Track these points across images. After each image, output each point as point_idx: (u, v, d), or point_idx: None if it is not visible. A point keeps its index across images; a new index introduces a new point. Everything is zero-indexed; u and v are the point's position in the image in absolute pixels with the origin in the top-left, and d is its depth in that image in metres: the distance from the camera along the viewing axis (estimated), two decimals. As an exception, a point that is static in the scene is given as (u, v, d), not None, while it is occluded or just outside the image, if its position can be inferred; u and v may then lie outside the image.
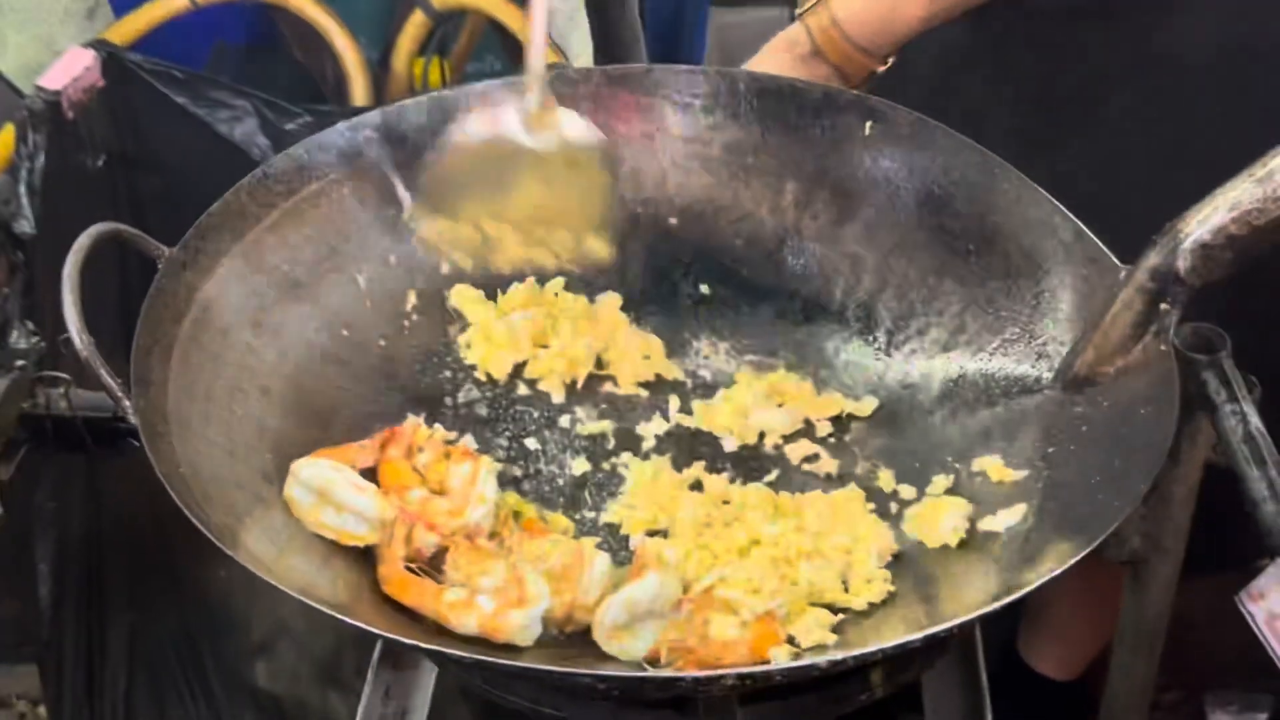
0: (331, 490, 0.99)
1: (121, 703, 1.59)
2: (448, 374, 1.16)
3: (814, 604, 0.96)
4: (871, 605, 0.96)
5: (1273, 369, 1.04)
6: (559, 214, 1.15)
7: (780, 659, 0.89)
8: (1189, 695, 1.82)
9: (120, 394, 0.95)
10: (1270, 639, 0.93)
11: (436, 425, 1.10)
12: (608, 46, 1.71)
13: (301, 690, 1.62)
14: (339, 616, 0.85)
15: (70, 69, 1.58)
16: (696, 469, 1.08)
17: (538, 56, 1.09)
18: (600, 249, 1.16)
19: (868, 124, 1.17)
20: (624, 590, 0.93)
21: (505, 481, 1.07)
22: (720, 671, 0.84)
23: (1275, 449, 0.97)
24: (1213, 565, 1.16)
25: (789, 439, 1.11)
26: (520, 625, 0.91)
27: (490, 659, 0.87)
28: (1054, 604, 1.67)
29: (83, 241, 0.99)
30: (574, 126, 1.12)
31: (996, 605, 0.86)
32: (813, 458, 1.10)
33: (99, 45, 1.64)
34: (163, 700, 1.60)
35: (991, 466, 1.03)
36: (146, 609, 1.56)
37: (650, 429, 1.12)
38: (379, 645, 1.06)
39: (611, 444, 1.12)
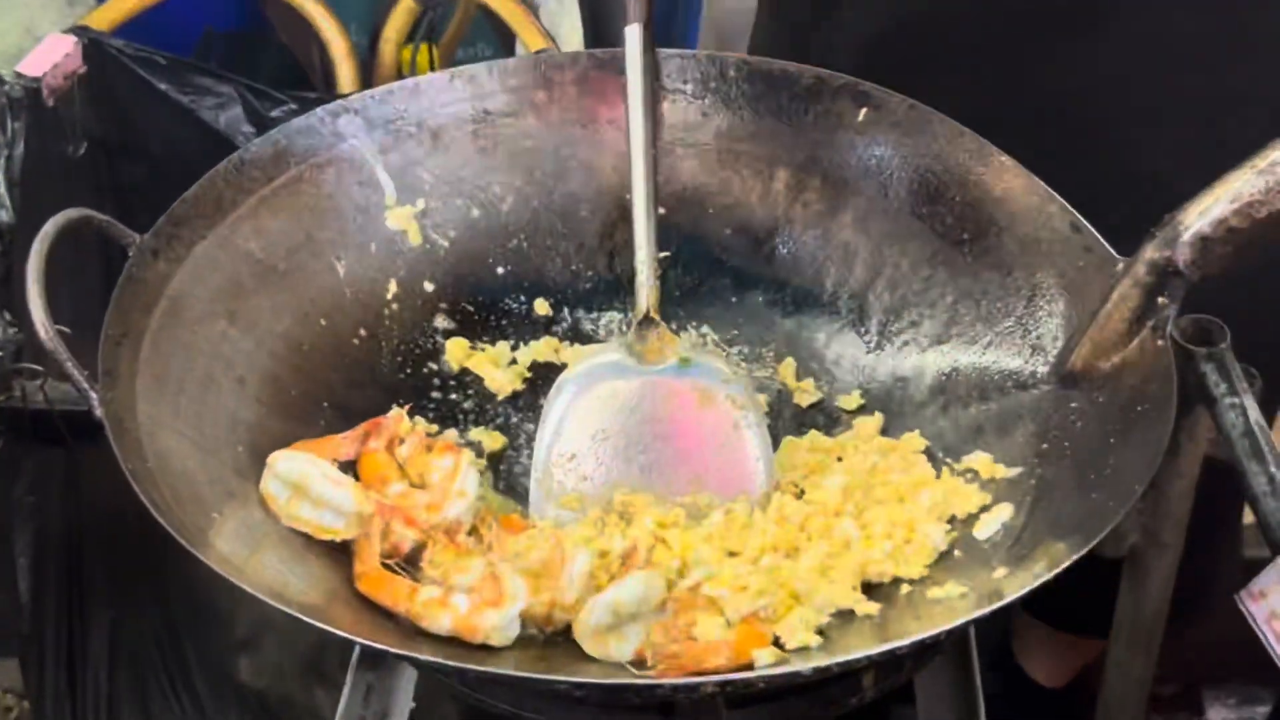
0: (307, 484, 0.97)
1: (104, 698, 1.58)
2: (430, 366, 1.14)
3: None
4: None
5: (1274, 361, 1.02)
6: (698, 476, 1.00)
7: (765, 662, 0.87)
8: (1187, 689, 1.81)
9: (87, 386, 0.93)
10: (1270, 638, 0.91)
11: (419, 418, 1.08)
12: (599, 33, 1.69)
13: (286, 686, 1.61)
14: (307, 619, 0.83)
15: (51, 55, 1.56)
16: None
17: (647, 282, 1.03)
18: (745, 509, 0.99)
19: (861, 110, 1.15)
20: (608, 592, 0.91)
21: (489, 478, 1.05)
22: (699, 679, 0.82)
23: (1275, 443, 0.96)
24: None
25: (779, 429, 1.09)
26: (496, 625, 0.89)
27: (459, 664, 0.85)
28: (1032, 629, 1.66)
29: (48, 229, 0.97)
30: (702, 356, 1.03)
31: (985, 610, 0.84)
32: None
33: (80, 31, 1.62)
34: (145, 695, 1.59)
35: (982, 463, 1.01)
36: (128, 603, 1.56)
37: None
38: (358, 645, 1.04)
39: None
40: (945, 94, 1.12)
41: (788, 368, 1.13)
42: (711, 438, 1.01)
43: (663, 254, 1.08)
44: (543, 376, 1.13)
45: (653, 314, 1.04)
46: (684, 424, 1.01)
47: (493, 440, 1.10)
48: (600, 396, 1.02)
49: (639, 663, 0.89)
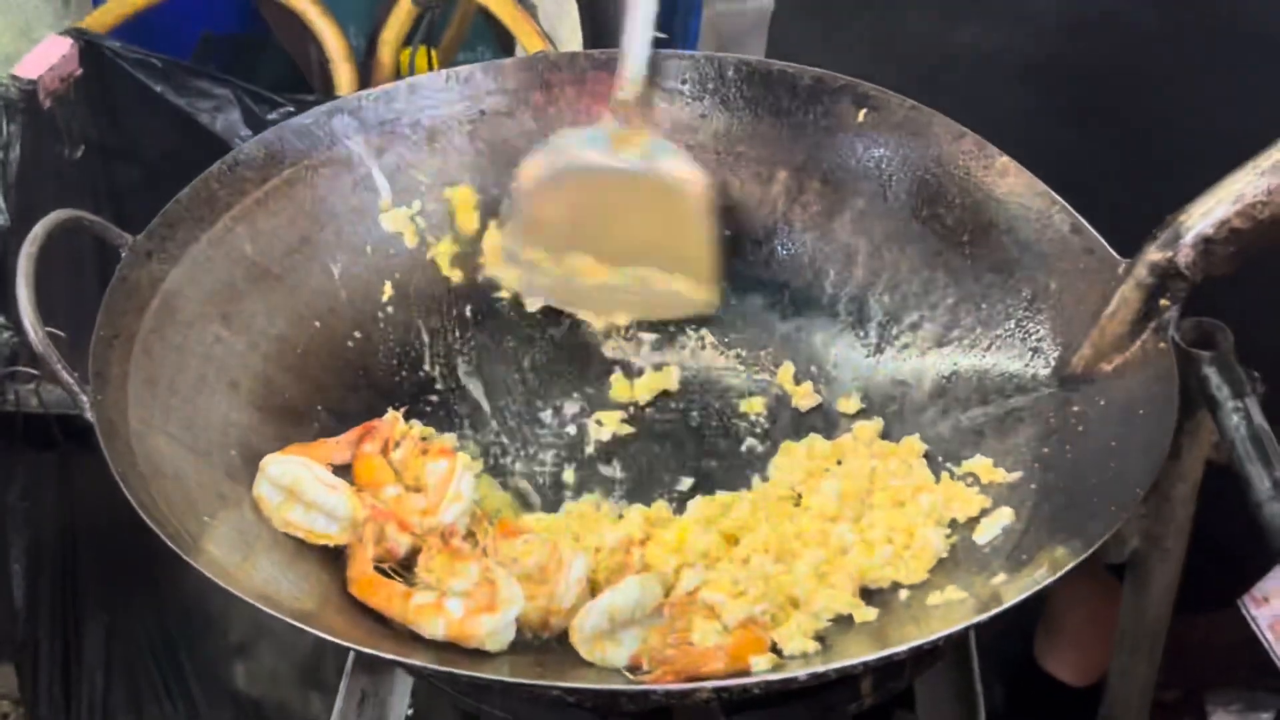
0: (300, 487, 0.97)
1: (99, 703, 1.57)
2: (425, 369, 1.13)
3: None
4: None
5: (1277, 364, 1.01)
6: (648, 250, 1.10)
7: (762, 668, 0.86)
8: (1190, 694, 1.80)
9: (78, 389, 0.92)
10: (1273, 643, 0.90)
11: (414, 421, 1.07)
12: (597, 35, 1.69)
13: (281, 691, 1.60)
14: (299, 624, 0.82)
15: (47, 57, 1.55)
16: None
17: (634, 61, 1.04)
18: (693, 291, 1.11)
19: (861, 111, 1.14)
20: (604, 597, 0.90)
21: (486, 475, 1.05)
22: (693, 685, 0.81)
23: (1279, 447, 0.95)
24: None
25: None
26: (491, 630, 0.88)
27: (454, 670, 0.84)
28: (1068, 609, 1.65)
29: (39, 231, 0.96)
30: (666, 150, 1.08)
31: (984, 616, 0.83)
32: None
33: (77, 33, 1.61)
34: (140, 701, 1.58)
35: (982, 467, 1.00)
36: (123, 609, 1.55)
37: (634, 425, 1.10)
38: (352, 651, 1.04)
39: (593, 440, 1.09)
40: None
41: (786, 372, 1.12)
42: (664, 225, 1.09)
43: (659, 34, 1.10)
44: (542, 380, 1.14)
45: (632, 101, 1.06)
46: (643, 212, 1.09)
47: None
48: (569, 175, 1.09)
49: (635, 668, 0.88)
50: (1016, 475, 0.98)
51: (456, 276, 1.16)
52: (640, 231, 1.09)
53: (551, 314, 1.17)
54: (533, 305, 1.14)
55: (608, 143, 1.08)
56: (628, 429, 1.10)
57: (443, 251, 1.15)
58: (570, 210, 1.09)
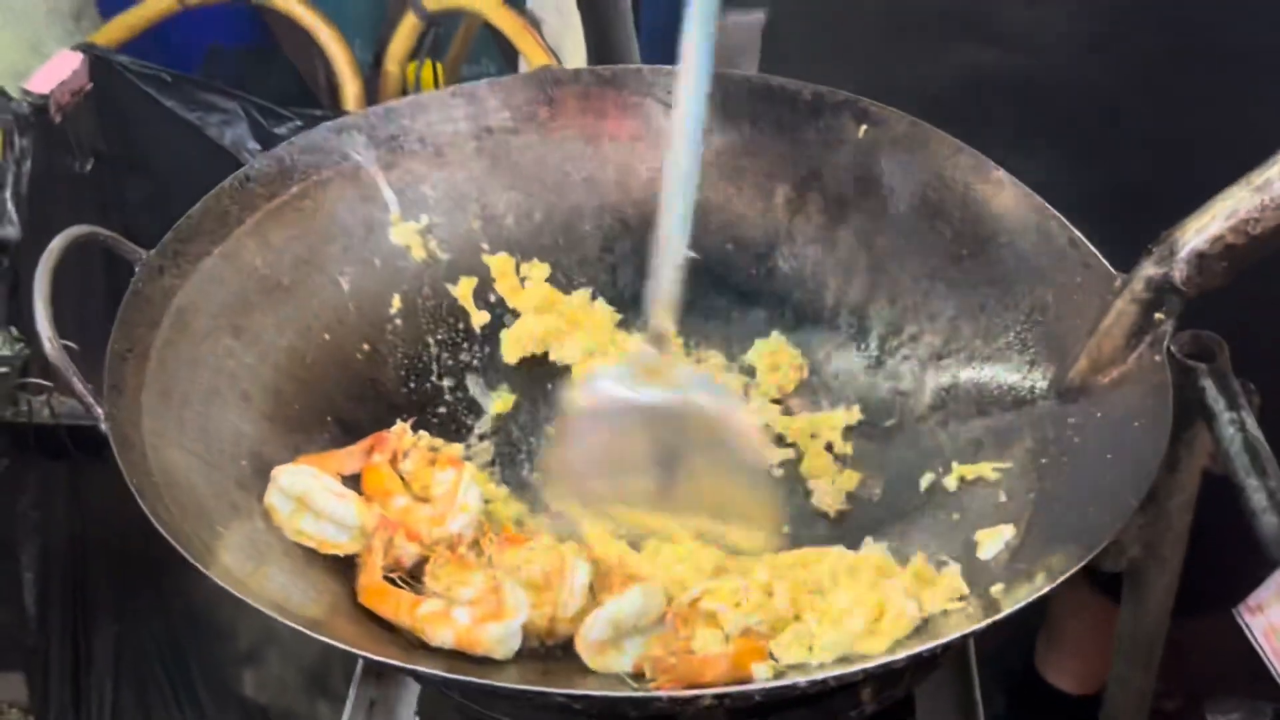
0: (311, 497, 0.98)
1: (108, 711, 1.58)
2: (433, 380, 1.14)
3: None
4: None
5: (1273, 377, 1.02)
6: (698, 495, 0.99)
7: (763, 675, 0.88)
8: (1191, 702, 1.81)
9: (92, 401, 0.93)
10: (1268, 653, 0.91)
11: (422, 431, 1.09)
12: (601, 49, 1.70)
13: (289, 699, 1.61)
14: (310, 632, 0.84)
15: (58, 72, 1.57)
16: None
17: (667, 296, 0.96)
18: (754, 541, 0.99)
19: (861, 127, 1.15)
20: (608, 605, 0.91)
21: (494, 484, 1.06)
22: (696, 691, 0.82)
23: (1275, 458, 0.96)
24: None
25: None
26: (497, 638, 0.90)
27: (461, 677, 0.86)
28: (1068, 618, 1.65)
29: (56, 245, 0.98)
30: (701, 380, 1.02)
31: (982, 624, 0.84)
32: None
33: (87, 48, 1.63)
34: (149, 708, 1.59)
35: (981, 470, 1.02)
36: (132, 617, 1.56)
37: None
38: (360, 658, 1.05)
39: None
40: None
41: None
42: (710, 461, 1.00)
43: (690, 254, 1.01)
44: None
45: (666, 331, 1.00)
46: (681, 446, 1.00)
47: (503, 403, 1.11)
48: (608, 412, 1.01)
49: (639, 675, 0.89)
50: (1015, 486, 1.00)
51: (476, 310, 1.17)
52: (683, 474, 0.99)
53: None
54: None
55: (638, 374, 1.00)
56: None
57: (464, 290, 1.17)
58: (604, 455, 1.01)
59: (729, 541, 0.99)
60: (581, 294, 1.17)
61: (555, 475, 1.03)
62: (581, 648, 0.90)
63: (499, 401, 1.15)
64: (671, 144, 0.99)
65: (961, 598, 0.93)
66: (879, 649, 0.88)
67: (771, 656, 0.90)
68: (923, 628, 0.91)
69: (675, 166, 0.98)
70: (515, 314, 1.17)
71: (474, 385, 1.15)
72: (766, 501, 1.02)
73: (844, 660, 0.88)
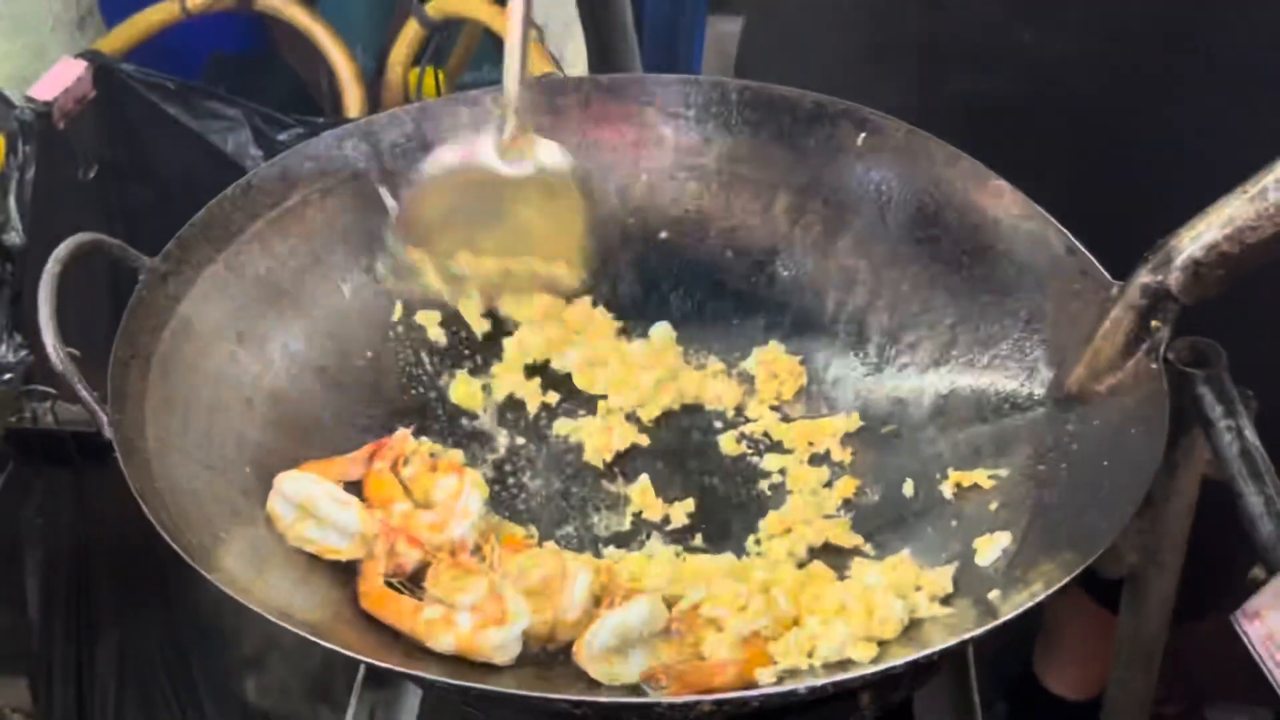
0: (313, 504, 0.98)
1: (111, 716, 1.58)
2: (435, 387, 1.15)
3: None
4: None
5: (1271, 383, 1.03)
6: (532, 243, 1.15)
7: (767, 681, 0.88)
8: (1191, 708, 1.81)
9: (97, 408, 0.94)
10: (1266, 660, 0.91)
11: (423, 438, 1.09)
12: (603, 56, 1.70)
13: (292, 706, 1.61)
14: (311, 638, 0.84)
15: (62, 80, 1.57)
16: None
17: (513, 80, 1.09)
18: (567, 276, 1.16)
19: (860, 135, 1.16)
20: (613, 615, 0.91)
21: (493, 497, 1.06)
22: (696, 698, 0.82)
23: (1272, 464, 0.96)
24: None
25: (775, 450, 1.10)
26: (498, 644, 0.90)
27: (461, 682, 0.86)
28: (1066, 624, 1.66)
29: (61, 253, 0.98)
30: (550, 152, 1.12)
31: (980, 630, 0.85)
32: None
33: (91, 56, 1.64)
34: (152, 714, 1.59)
35: (978, 477, 1.02)
36: (135, 623, 1.56)
37: (639, 443, 1.11)
38: (362, 664, 1.05)
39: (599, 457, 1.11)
40: None
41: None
42: (544, 220, 1.14)
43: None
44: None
45: (516, 108, 1.09)
46: (523, 207, 1.13)
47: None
48: (456, 174, 1.12)
49: (649, 681, 0.90)
50: (1013, 492, 1.00)
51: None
52: (522, 228, 1.14)
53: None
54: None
55: (495, 149, 1.12)
56: (632, 445, 1.12)
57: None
58: (457, 212, 1.13)
59: (548, 273, 1.16)
60: (583, 303, 1.18)
61: (412, 231, 1.14)
62: (584, 657, 0.90)
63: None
64: None
65: (946, 598, 0.93)
66: (870, 652, 0.89)
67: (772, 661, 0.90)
68: (913, 629, 0.92)
69: None
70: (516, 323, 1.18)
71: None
72: (581, 245, 1.17)
73: (842, 666, 0.88)
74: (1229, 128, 1.18)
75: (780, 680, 0.87)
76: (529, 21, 1.10)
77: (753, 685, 0.88)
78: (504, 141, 1.11)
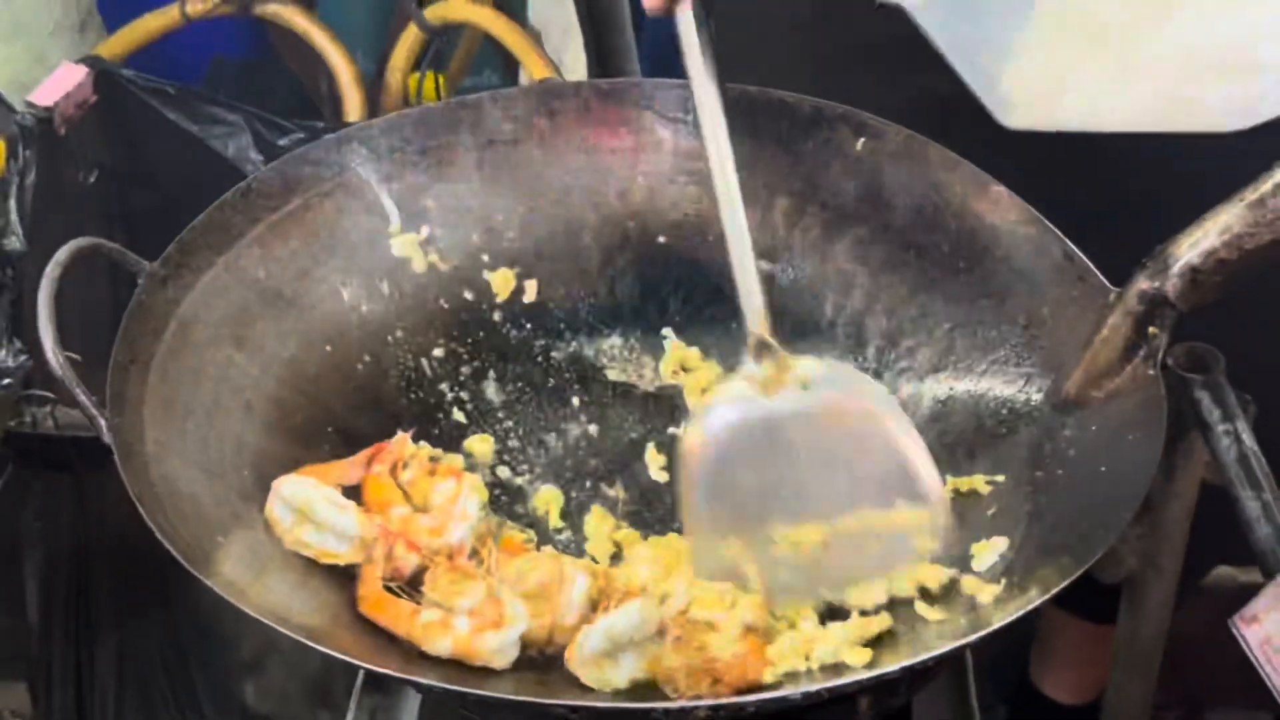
0: (311, 508, 0.98)
1: (111, 720, 1.58)
2: (433, 391, 1.15)
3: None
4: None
5: (1268, 388, 1.03)
6: (851, 491, 0.95)
7: (770, 679, 0.88)
8: (1190, 713, 1.81)
9: (96, 412, 0.94)
10: (1264, 664, 0.91)
11: (422, 442, 1.09)
12: (602, 62, 1.71)
13: (291, 709, 1.61)
14: (309, 642, 0.84)
15: (62, 85, 1.58)
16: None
17: (756, 306, 0.97)
18: (922, 518, 0.95)
19: (859, 140, 1.16)
20: (605, 619, 0.91)
21: (492, 501, 1.06)
22: (692, 704, 0.83)
23: (1270, 469, 0.96)
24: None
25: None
26: (495, 648, 0.90)
27: (458, 687, 0.86)
28: (1062, 629, 1.66)
29: (60, 257, 0.99)
30: (825, 373, 0.98)
31: (976, 636, 0.85)
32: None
33: (92, 61, 1.64)
34: (152, 718, 1.59)
35: (977, 483, 1.02)
36: (135, 626, 1.56)
37: (638, 447, 1.11)
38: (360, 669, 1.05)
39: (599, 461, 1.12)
40: None
41: None
42: (852, 452, 0.97)
43: (769, 265, 1.03)
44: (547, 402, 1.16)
45: (767, 338, 0.98)
46: (825, 446, 0.97)
47: (483, 444, 1.12)
48: (733, 441, 0.97)
49: (644, 687, 0.90)
50: (1010, 498, 1.00)
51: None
52: (833, 472, 0.96)
53: (556, 336, 1.19)
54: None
55: (756, 390, 0.98)
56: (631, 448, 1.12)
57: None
58: (748, 480, 0.96)
59: (896, 523, 0.95)
60: None
61: (704, 519, 0.97)
62: (575, 661, 0.90)
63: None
64: (711, 166, 1.02)
65: (943, 603, 0.93)
66: (864, 657, 0.89)
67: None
68: (910, 634, 0.92)
69: (723, 184, 1.01)
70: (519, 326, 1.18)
71: (473, 396, 1.16)
72: (921, 466, 0.97)
73: (839, 671, 0.88)
74: (1227, 134, 1.18)
75: (780, 683, 0.88)
76: (753, 246, 0.98)
77: (753, 689, 0.88)
78: (762, 377, 0.97)
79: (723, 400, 0.99)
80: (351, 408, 1.11)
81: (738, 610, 0.92)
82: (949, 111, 1.18)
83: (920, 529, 0.95)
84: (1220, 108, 1.09)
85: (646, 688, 0.90)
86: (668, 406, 1.15)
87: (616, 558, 1.04)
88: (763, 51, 1.36)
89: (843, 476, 0.96)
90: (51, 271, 0.98)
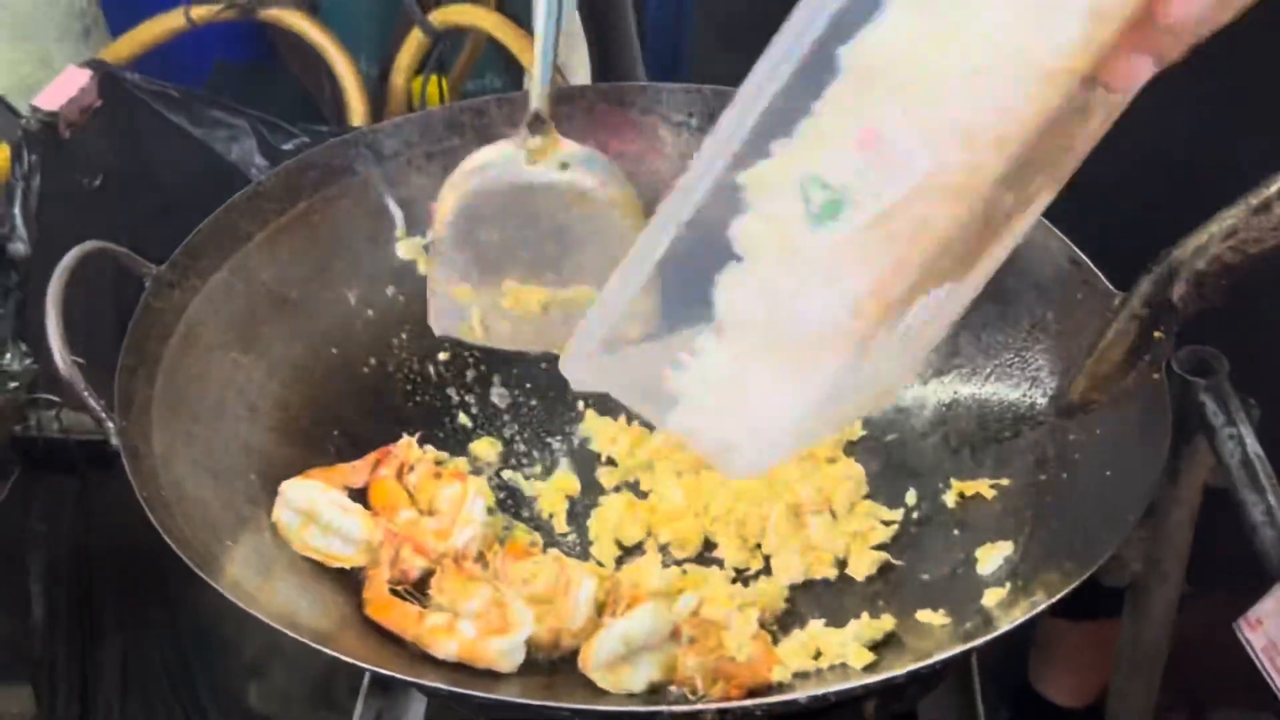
0: (318, 511, 0.99)
1: (115, 723, 1.58)
2: (439, 395, 1.15)
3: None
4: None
5: (1273, 391, 1.03)
6: (580, 270, 1.05)
7: (779, 678, 0.89)
8: (1194, 716, 1.81)
9: (103, 415, 0.94)
10: (1268, 667, 0.91)
11: (428, 446, 1.09)
12: (606, 66, 1.71)
13: (295, 713, 1.61)
14: (316, 645, 0.85)
15: (67, 89, 1.57)
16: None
17: (539, 82, 1.03)
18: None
19: (864, 143, 1.16)
20: (620, 624, 0.91)
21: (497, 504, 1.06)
22: (700, 707, 0.83)
23: (1274, 472, 0.96)
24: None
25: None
26: (501, 652, 0.90)
27: (464, 690, 0.86)
28: (1061, 633, 1.66)
29: (68, 261, 0.99)
30: (579, 154, 1.05)
31: (982, 640, 0.85)
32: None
33: (96, 65, 1.64)
34: (155, 721, 1.59)
35: (980, 487, 1.02)
36: (139, 630, 1.56)
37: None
38: (366, 671, 1.05)
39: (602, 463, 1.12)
40: None
41: None
42: (589, 234, 1.05)
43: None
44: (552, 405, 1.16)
45: (543, 113, 1.04)
46: (563, 222, 1.05)
47: (489, 447, 1.12)
48: (486, 194, 1.05)
49: (658, 689, 0.90)
50: (1015, 502, 1.00)
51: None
52: (567, 248, 1.06)
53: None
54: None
55: (522, 158, 1.05)
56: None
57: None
58: (491, 235, 1.06)
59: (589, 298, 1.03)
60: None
61: (445, 261, 1.06)
62: (590, 666, 0.91)
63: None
64: None
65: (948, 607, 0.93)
66: (868, 658, 0.90)
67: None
68: (915, 638, 0.92)
69: None
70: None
71: (478, 400, 1.16)
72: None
73: (845, 674, 0.88)
74: (1231, 138, 1.18)
75: (786, 686, 0.88)
76: (559, 22, 1.03)
77: (762, 690, 0.88)
78: (529, 146, 1.04)
79: (488, 157, 1.06)
80: (357, 411, 1.11)
81: (749, 611, 0.92)
82: None
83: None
84: None
85: (658, 689, 0.91)
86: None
87: (622, 560, 1.04)
88: (757, 50, 1.36)
89: (574, 253, 1.05)
90: (59, 275, 0.98)
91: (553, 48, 1.04)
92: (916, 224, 0.64)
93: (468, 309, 1.08)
